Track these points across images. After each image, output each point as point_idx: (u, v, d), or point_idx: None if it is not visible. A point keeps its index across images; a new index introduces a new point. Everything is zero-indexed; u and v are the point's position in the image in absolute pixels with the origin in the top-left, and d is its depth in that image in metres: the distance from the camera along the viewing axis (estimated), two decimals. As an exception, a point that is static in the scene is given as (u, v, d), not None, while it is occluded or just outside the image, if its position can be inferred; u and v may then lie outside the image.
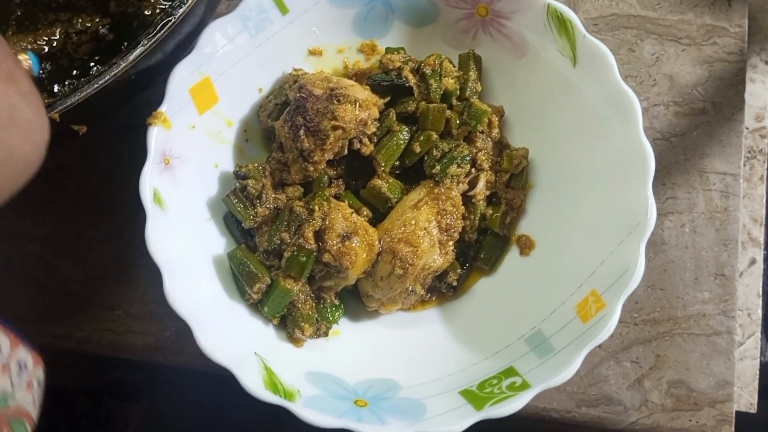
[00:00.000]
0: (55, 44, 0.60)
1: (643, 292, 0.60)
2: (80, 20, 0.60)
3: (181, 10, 0.49)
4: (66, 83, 0.58)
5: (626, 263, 0.50)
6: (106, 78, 0.47)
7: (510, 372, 0.51)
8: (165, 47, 0.51)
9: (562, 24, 0.55)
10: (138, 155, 0.54)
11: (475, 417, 0.47)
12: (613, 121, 0.53)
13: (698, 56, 0.66)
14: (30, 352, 0.40)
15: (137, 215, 0.62)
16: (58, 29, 0.61)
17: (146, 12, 0.59)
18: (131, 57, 0.47)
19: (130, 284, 0.62)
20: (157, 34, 0.48)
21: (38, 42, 0.60)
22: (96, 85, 0.47)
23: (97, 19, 0.61)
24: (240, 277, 0.54)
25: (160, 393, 1.08)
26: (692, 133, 0.64)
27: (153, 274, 0.61)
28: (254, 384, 0.48)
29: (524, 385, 0.49)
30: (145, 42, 0.48)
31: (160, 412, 1.09)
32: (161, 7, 0.59)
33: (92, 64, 0.59)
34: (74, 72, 0.59)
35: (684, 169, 0.63)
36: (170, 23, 0.49)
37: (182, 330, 0.60)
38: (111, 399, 1.05)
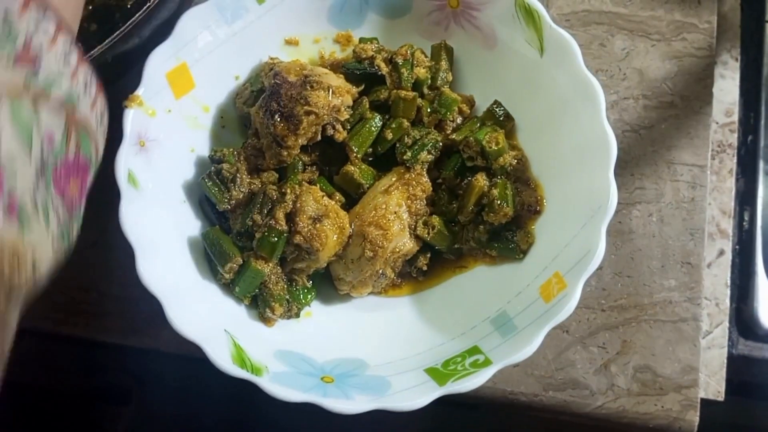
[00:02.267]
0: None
1: (610, 279, 0.62)
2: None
3: (156, -5, 0.51)
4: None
5: (588, 245, 0.51)
6: (82, 59, 0.48)
7: (474, 350, 0.52)
8: (141, 32, 0.53)
9: (529, 15, 0.56)
10: (116, 141, 0.55)
11: (437, 392, 0.48)
12: (579, 108, 0.55)
13: (668, 51, 0.67)
14: (95, 76, 0.43)
15: (116, 200, 0.64)
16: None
17: (128, 5, 0.61)
18: (107, 39, 0.49)
19: (107, 267, 0.63)
20: (132, 17, 0.50)
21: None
22: (70, 67, 0.48)
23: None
24: (213, 257, 0.55)
25: (150, 396, 1.08)
26: (661, 125, 0.65)
27: (130, 259, 0.62)
28: (222, 359, 0.49)
29: (486, 362, 0.50)
30: (121, 25, 0.49)
31: (150, 415, 1.09)
32: (143, -2, 0.61)
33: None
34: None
35: (652, 161, 0.64)
36: (146, 7, 0.50)
37: (157, 312, 0.61)
38: (100, 402, 1.05)
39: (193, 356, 0.61)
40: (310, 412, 0.49)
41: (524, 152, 0.58)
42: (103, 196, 0.64)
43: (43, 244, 0.37)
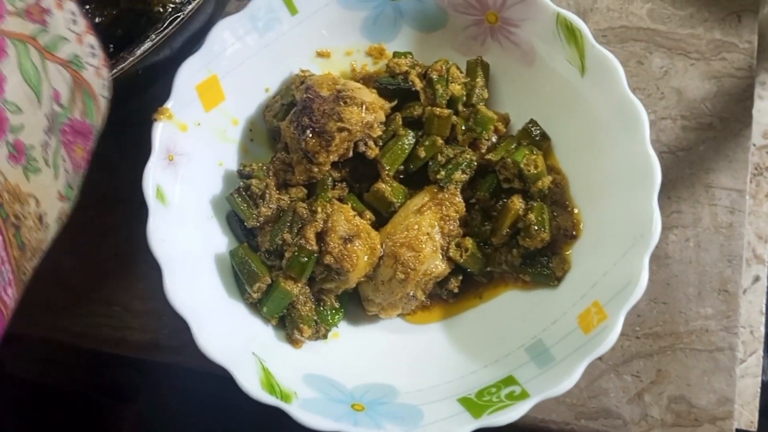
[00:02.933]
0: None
1: (645, 305, 0.60)
2: (89, 14, 0.60)
3: (190, 6, 0.49)
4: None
5: (629, 275, 0.49)
6: (113, 71, 0.47)
7: (509, 381, 0.50)
8: (173, 43, 0.51)
9: (571, 33, 0.55)
10: (141, 151, 0.54)
11: (473, 425, 0.46)
12: (619, 132, 0.53)
13: (707, 71, 0.66)
14: (101, 48, 0.44)
15: (139, 211, 0.62)
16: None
17: (155, 9, 0.59)
18: (139, 51, 0.48)
19: (130, 280, 0.61)
20: (165, 29, 0.48)
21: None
22: (103, 79, 0.47)
23: (106, 12, 0.61)
24: (241, 276, 0.54)
25: (156, 394, 1.07)
26: (699, 147, 0.64)
27: (153, 271, 0.61)
28: (251, 384, 0.47)
29: (523, 395, 0.48)
30: (153, 37, 0.48)
31: (156, 413, 1.08)
32: (171, 5, 0.59)
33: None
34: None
35: (690, 184, 0.63)
36: (179, 19, 0.49)
37: (180, 328, 0.60)
38: (106, 399, 1.04)
39: (215, 374, 0.60)
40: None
41: (564, 174, 0.57)
42: (125, 207, 0.63)
43: (48, 192, 0.39)
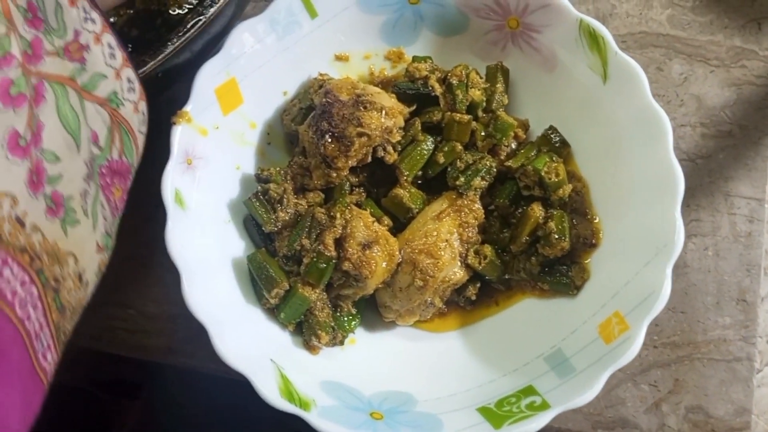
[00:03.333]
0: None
1: (663, 314, 0.59)
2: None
3: (212, 10, 0.49)
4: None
5: (652, 286, 0.49)
6: (134, 75, 0.47)
7: (529, 391, 0.50)
8: (193, 46, 0.51)
9: (593, 40, 0.54)
10: (156, 154, 0.53)
11: (493, 435, 0.46)
12: (642, 140, 0.53)
13: (726, 78, 0.65)
14: (138, 80, 0.42)
15: (153, 214, 0.62)
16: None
17: (171, 11, 0.59)
18: (160, 55, 0.47)
19: (144, 283, 0.61)
20: (187, 33, 0.48)
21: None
22: (124, 82, 0.46)
23: (121, 12, 0.60)
24: (258, 281, 0.53)
25: (159, 391, 1.07)
26: (718, 155, 0.63)
27: (168, 274, 0.61)
28: (270, 392, 0.47)
29: (544, 405, 0.48)
30: (175, 40, 0.47)
31: (158, 410, 1.08)
32: (188, 6, 0.59)
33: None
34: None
35: (709, 192, 0.62)
36: (201, 23, 0.48)
37: (195, 332, 0.59)
38: (108, 395, 1.04)
39: (230, 378, 0.59)
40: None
41: (585, 182, 0.56)
42: (139, 210, 0.62)
43: (85, 247, 0.37)
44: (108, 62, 0.39)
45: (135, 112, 0.42)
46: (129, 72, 0.41)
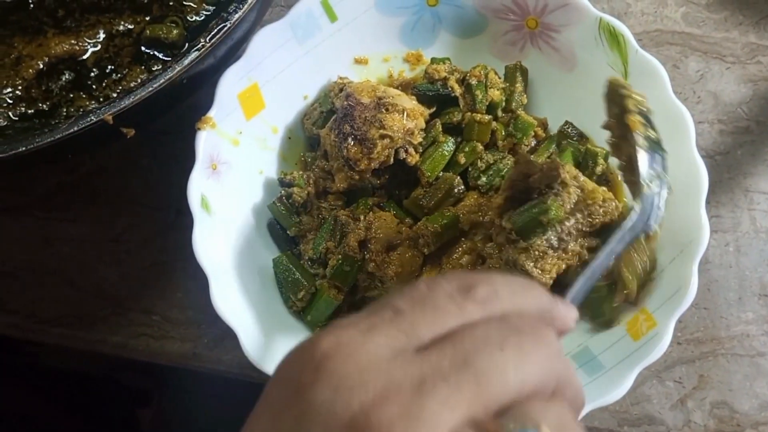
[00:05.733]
0: (98, 47, 0.59)
1: (687, 311, 0.59)
2: (122, 22, 0.60)
3: (236, 15, 0.49)
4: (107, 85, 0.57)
5: (678, 282, 0.49)
6: (161, 81, 0.47)
7: (558, 389, 0.50)
8: (217, 52, 0.51)
9: (613, 38, 0.54)
10: (176, 160, 0.54)
11: (525, 433, 0.46)
12: (664, 138, 0.53)
13: (743, 75, 0.65)
14: None
15: (174, 220, 0.62)
16: (101, 30, 0.60)
17: (189, 17, 0.59)
18: (187, 61, 0.47)
19: (168, 289, 0.61)
20: (213, 39, 0.48)
21: (80, 44, 0.60)
22: (150, 89, 0.47)
23: (139, 19, 0.60)
24: (284, 284, 0.54)
25: (170, 399, 1.07)
26: (737, 151, 0.63)
27: (191, 280, 0.61)
28: (300, 394, 0.47)
29: (574, 403, 0.48)
30: (201, 46, 0.48)
31: (169, 419, 1.08)
32: (205, 12, 0.59)
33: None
34: (116, 76, 0.59)
35: (728, 188, 0.62)
36: (226, 28, 0.48)
37: (220, 337, 0.60)
38: (120, 402, 1.04)
39: (247, 382, 0.59)
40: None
41: (614, 175, 0.56)
42: (160, 216, 0.63)
43: None
44: None
45: None
46: None
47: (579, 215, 0.49)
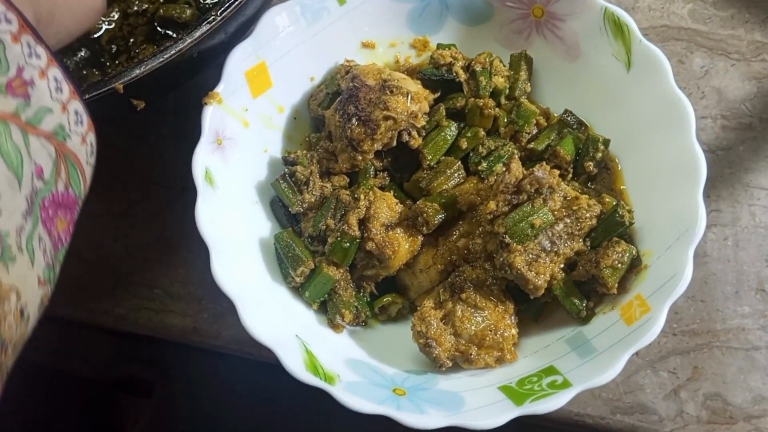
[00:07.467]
0: (112, 25, 0.61)
1: (683, 303, 0.60)
2: (137, 1, 0.61)
3: (246, -8, 0.50)
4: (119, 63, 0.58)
5: (673, 269, 0.49)
6: (172, 53, 0.48)
7: (550, 371, 0.50)
8: (228, 27, 0.52)
9: (618, 28, 0.55)
10: (182, 137, 0.55)
11: (515, 412, 0.47)
12: (665, 127, 0.53)
13: (747, 72, 0.66)
14: (86, 112, 0.41)
15: (180, 196, 0.63)
16: (116, 9, 0.61)
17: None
18: (198, 33, 0.48)
19: (171, 265, 0.62)
20: (223, 12, 0.49)
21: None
22: (161, 59, 0.48)
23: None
24: (285, 260, 0.54)
25: (172, 390, 1.08)
26: (738, 147, 0.64)
27: (194, 256, 0.62)
28: (296, 365, 0.48)
29: (565, 384, 0.48)
30: (212, 19, 0.49)
31: (171, 410, 1.08)
32: (217, -7, 0.60)
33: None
34: (129, 54, 0.60)
35: (729, 183, 0.63)
36: (236, 3, 0.49)
37: (220, 312, 0.61)
38: (123, 393, 1.04)
39: (252, 359, 0.60)
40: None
41: (616, 162, 0.57)
42: (166, 193, 0.64)
43: (27, 281, 0.35)
44: (54, 96, 0.38)
45: (83, 144, 0.41)
46: (77, 104, 0.40)
47: (568, 220, 0.51)
